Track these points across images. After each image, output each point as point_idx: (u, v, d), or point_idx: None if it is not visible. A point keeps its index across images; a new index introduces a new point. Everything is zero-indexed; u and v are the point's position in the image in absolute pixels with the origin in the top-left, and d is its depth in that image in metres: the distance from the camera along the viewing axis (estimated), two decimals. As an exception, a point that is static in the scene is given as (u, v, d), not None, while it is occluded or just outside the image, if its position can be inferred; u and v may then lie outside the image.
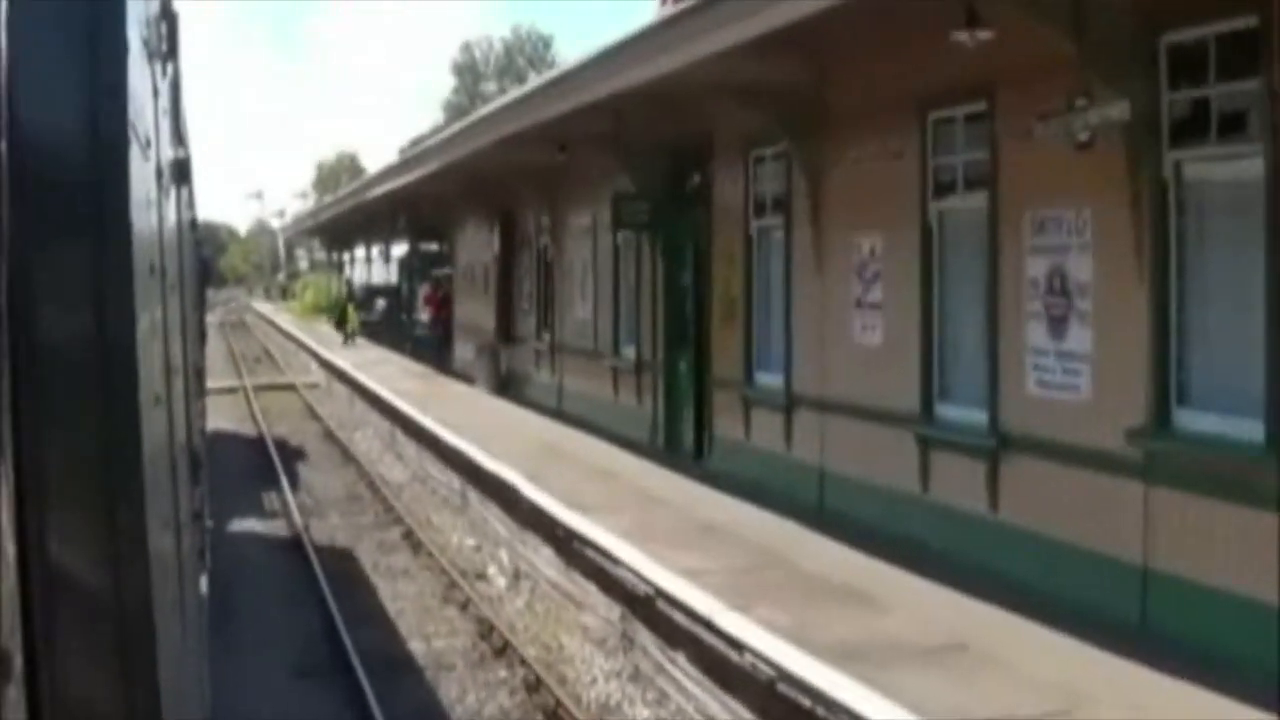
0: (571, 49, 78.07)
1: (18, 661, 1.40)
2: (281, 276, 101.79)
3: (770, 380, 14.16)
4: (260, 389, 34.52)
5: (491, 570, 15.16)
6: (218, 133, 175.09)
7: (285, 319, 60.80)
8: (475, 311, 29.47)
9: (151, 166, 2.65)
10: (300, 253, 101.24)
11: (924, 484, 11.36)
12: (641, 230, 17.13)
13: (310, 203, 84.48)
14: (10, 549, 1.43)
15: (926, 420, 11.38)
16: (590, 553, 12.22)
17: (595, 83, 14.80)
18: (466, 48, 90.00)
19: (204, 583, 6.34)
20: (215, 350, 42.15)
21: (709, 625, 9.26)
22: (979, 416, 10.64)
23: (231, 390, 34.14)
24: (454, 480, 18.66)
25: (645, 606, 10.67)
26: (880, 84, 11.94)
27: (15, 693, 1.38)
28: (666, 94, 15.05)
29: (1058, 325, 9.70)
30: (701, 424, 15.82)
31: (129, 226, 1.81)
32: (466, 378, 28.14)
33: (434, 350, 32.90)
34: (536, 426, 20.26)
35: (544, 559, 14.22)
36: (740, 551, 11.28)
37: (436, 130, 38.11)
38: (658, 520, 12.59)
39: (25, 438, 1.56)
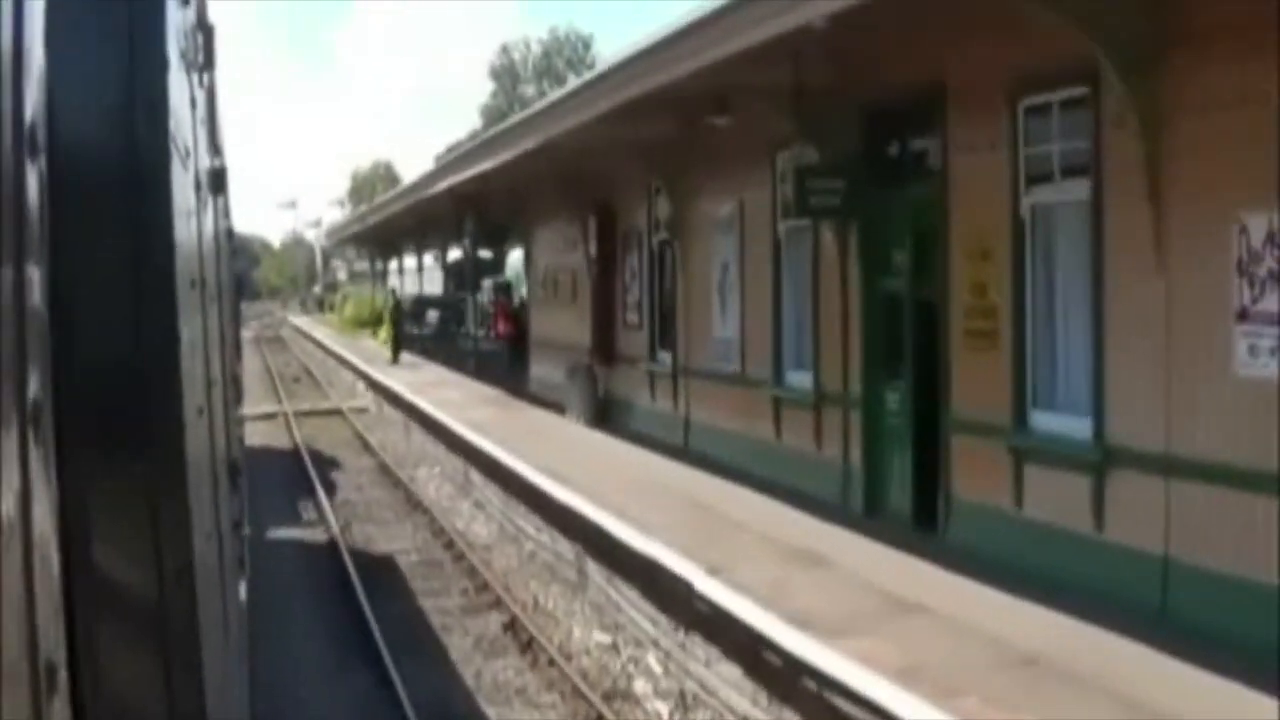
0: (612, 49, 73.71)
1: (63, 675, 1.27)
2: (318, 288, 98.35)
3: (1062, 425, 9.80)
4: (302, 415, 30.30)
5: (640, 685, 10.96)
6: (250, 142, 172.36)
7: (324, 333, 56.71)
8: (559, 324, 25.04)
9: (190, 177, 2.60)
10: (338, 263, 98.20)
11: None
12: (830, 217, 12.64)
13: (346, 212, 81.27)
14: (55, 560, 1.29)
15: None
16: (831, 694, 8.01)
17: (769, 17, 10.65)
18: (504, 51, 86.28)
19: (243, 589, 5.96)
20: (250, 368, 38.00)
21: None
22: None
23: (270, 416, 29.98)
24: (560, 543, 14.46)
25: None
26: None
27: (61, 706, 1.23)
28: (872, 26, 10.96)
29: None
30: (931, 481, 11.41)
31: (172, 240, 1.84)
32: (548, 404, 23.78)
33: (505, 370, 28.41)
34: (666, 473, 15.76)
35: (722, 677, 10.03)
36: (1108, 710, 6.99)
37: (474, 136, 34.02)
38: (937, 646, 8.30)
39: (71, 452, 1.46)
